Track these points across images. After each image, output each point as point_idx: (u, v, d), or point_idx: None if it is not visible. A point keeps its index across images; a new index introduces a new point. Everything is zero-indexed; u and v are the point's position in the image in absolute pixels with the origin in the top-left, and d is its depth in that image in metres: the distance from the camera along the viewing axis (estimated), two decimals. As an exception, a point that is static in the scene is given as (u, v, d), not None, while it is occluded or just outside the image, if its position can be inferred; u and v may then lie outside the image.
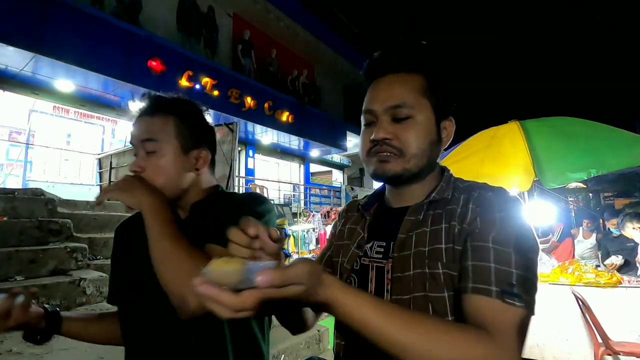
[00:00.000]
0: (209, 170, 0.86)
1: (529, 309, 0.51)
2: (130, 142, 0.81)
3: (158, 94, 0.85)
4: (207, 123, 0.88)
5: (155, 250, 0.68)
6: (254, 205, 0.79)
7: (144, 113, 0.81)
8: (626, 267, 3.47)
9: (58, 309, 0.83)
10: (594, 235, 4.35)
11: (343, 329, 0.70)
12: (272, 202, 0.75)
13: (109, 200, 0.73)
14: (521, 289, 0.51)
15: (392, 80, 0.68)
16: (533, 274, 0.54)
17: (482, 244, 0.56)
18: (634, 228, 3.29)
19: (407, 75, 0.67)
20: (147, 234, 0.69)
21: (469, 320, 0.52)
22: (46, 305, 0.82)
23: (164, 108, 0.82)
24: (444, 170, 0.73)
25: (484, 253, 0.55)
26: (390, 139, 0.64)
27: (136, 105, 0.84)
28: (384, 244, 0.68)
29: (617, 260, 3.38)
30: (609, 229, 4.07)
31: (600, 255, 4.12)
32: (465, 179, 0.72)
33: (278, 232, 0.48)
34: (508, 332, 0.49)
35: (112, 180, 5.93)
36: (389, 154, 0.65)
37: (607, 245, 3.89)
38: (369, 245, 0.70)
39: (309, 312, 0.72)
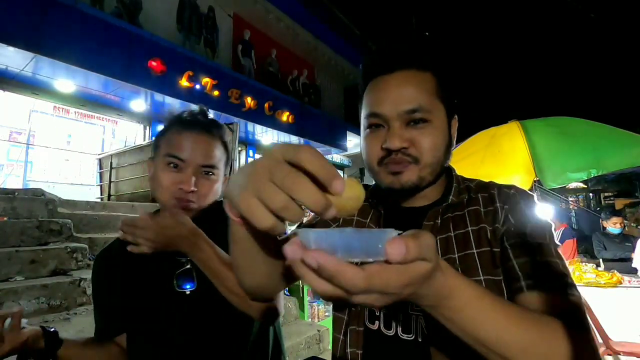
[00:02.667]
0: None
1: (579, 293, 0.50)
2: (175, 155, 0.76)
3: (208, 111, 0.87)
4: None
5: (218, 279, 0.72)
6: None
7: (204, 130, 0.80)
8: (623, 265, 3.48)
9: (55, 329, 0.79)
10: None
11: (360, 336, 0.62)
12: None
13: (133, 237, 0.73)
14: (570, 277, 0.51)
15: (402, 78, 0.59)
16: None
17: (521, 239, 0.54)
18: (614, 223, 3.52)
19: (419, 73, 0.60)
20: (203, 267, 0.73)
21: None
22: (44, 326, 0.79)
23: (219, 132, 0.83)
24: (449, 169, 0.69)
25: (524, 247, 0.53)
26: (406, 148, 0.58)
27: (181, 115, 0.83)
28: None
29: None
30: (604, 227, 4.08)
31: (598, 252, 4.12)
32: (468, 177, 0.70)
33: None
34: (582, 317, 0.47)
35: (112, 180, 5.92)
36: (404, 163, 0.59)
37: (604, 243, 3.90)
38: None
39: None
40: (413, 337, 0.57)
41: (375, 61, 0.63)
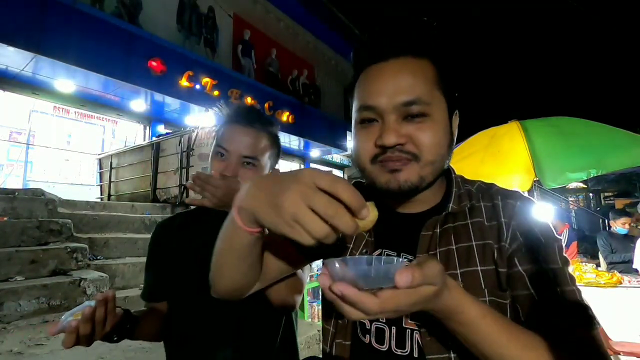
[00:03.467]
0: None
1: (599, 323, 0.49)
2: (222, 145, 0.85)
3: (258, 108, 0.93)
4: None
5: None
6: None
7: (249, 124, 0.86)
8: (625, 266, 3.49)
9: (128, 310, 0.85)
10: None
11: (348, 329, 0.60)
12: None
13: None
14: (589, 307, 0.49)
15: (398, 66, 0.53)
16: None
17: (537, 266, 0.51)
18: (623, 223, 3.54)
19: (416, 61, 0.54)
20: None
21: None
22: (121, 307, 0.83)
23: (265, 127, 0.89)
24: (449, 171, 0.63)
25: (543, 277, 0.50)
26: (403, 144, 0.52)
27: (228, 109, 0.91)
28: (395, 254, 0.58)
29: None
30: (610, 227, 4.06)
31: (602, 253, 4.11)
32: (468, 179, 0.65)
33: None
34: (604, 353, 0.47)
35: (112, 180, 5.92)
36: (403, 161, 0.53)
37: (611, 243, 3.89)
38: (376, 254, 0.59)
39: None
40: (408, 352, 0.54)
41: (367, 48, 0.57)
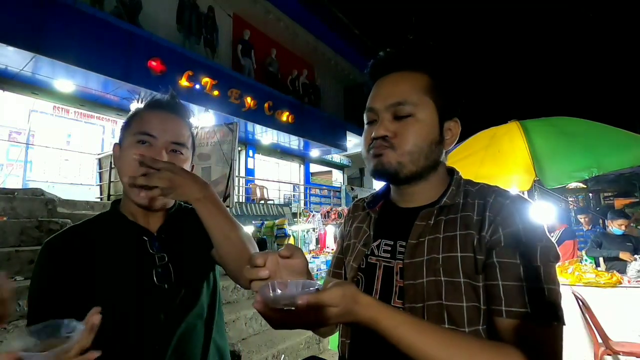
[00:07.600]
0: None
1: (563, 322, 0.52)
2: (145, 131, 0.77)
3: (175, 94, 0.87)
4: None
5: (232, 224, 0.75)
6: None
7: (173, 110, 0.82)
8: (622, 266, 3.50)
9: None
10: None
11: (348, 327, 0.70)
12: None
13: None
14: (554, 305, 0.52)
15: (395, 78, 0.66)
16: (558, 284, 0.55)
17: (510, 260, 0.55)
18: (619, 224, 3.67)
19: (411, 73, 0.66)
20: (210, 222, 0.73)
21: (506, 341, 0.52)
22: None
23: (187, 115, 0.85)
24: (452, 172, 0.71)
25: (513, 271, 0.54)
26: (389, 137, 0.63)
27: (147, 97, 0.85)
28: (392, 242, 0.67)
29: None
30: (607, 227, 4.07)
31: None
32: (474, 181, 0.70)
33: (289, 250, 0.53)
34: (550, 353, 0.50)
35: (111, 180, 5.92)
36: (382, 148, 0.64)
37: (603, 242, 3.90)
38: (375, 244, 0.69)
39: None
40: None
41: (376, 65, 0.70)
